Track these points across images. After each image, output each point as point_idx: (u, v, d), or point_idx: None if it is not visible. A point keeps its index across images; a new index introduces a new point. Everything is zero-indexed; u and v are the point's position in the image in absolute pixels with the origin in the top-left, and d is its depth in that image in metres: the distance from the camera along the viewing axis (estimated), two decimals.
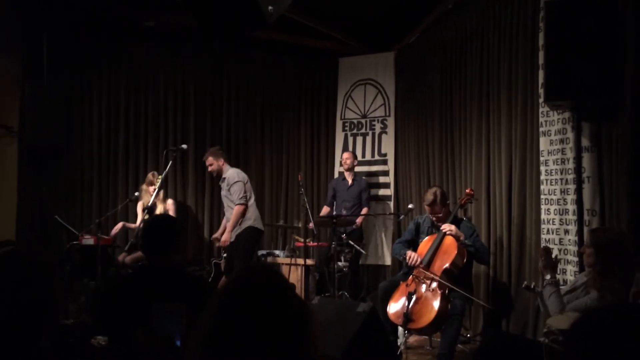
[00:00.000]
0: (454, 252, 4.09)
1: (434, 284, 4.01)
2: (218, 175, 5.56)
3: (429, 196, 4.35)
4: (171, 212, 5.76)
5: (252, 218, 5.42)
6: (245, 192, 5.35)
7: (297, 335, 1.17)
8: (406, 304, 3.86)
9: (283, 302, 1.20)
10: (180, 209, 6.90)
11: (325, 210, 6.54)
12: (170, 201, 5.95)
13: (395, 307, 4.09)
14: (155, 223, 2.76)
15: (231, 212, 5.36)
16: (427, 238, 4.36)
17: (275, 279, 1.25)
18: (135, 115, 6.78)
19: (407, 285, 4.14)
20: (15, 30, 5.81)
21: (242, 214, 5.32)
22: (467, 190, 4.56)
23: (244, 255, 5.30)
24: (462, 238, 4.16)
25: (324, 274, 5.93)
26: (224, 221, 5.74)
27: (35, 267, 1.39)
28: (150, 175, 5.86)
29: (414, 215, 5.98)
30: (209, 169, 5.52)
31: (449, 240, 4.17)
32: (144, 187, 5.84)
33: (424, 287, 4.04)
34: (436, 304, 3.90)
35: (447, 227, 4.19)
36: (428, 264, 4.15)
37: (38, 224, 5.95)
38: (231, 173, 5.40)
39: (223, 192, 5.52)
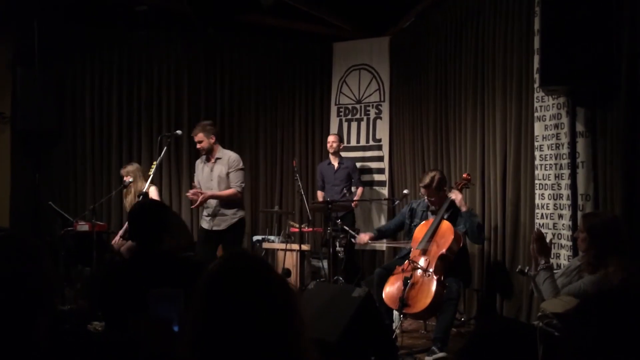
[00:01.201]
0: (450, 237, 4.10)
1: (430, 269, 4.03)
2: (206, 154, 4.99)
3: (426, 179, 4.34)
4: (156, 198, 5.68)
5: (244, 210, 5.13)
6: (244, 181, 5.07)
7: (282, 321, 1.17)
8: (402, 288, 3.89)
9: (265, 287, 1.19)
10: (175, 195, 6.90)
11: (319, 195, 6.54)
12: (152, 188, 5.81)
13: (391, 291, 4.12)
14: (140, 210, 2.74)
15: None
16: (423, 223, 4.37)
17: (256, 264, 1.25)
18: (128, 100, 6.73)
19: (402, 270, 4.16)
20: (6, 15, 5.74)
21: (234, 200, 4.93)
22: (464, 175, 4.55)
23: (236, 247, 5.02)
24: (463, 209, 4.20)
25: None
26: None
27: (27, 251, 1.38)
28: (122, 171, 5.79)
29: (409, 201, 6.01)
30: (198, 145, 4.96)
31: (446, 226, 4.18)
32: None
33: (420, 272, 4.07)
34: (432, 289, 3.93)
35: (454, 195, 4.24)
36: (425, 248, 4.17)
37: (32, 210, 5.92)
38: (235, 157, 4.97)
39: (215, 173, 4.94)
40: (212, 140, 4.93)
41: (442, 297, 3.94)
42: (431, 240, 4.18)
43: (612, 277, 2.78)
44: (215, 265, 1.24)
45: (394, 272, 4.23)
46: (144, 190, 4.81)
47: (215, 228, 4.91)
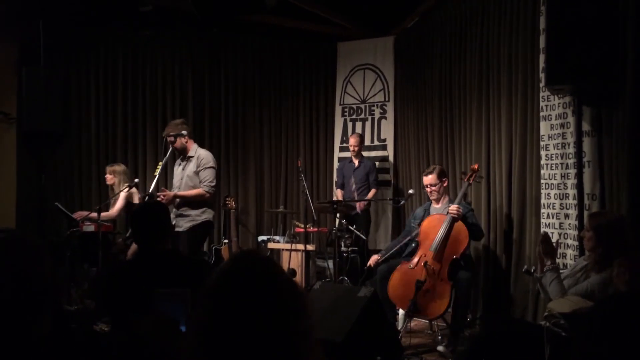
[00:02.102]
0: (465, 240, 4.08)
1: (443, 274, 3.99)
2: (180, 153, 4.81)
3: (429, 168, 4.57)
4: (135, 199, 5.59)
5: (212, 211, 4.79)
6: (215, 180, 4.73)
7: (290, 322, 1.17)
8: (413, 290, 3.83)
9: (274, 287, 1.19)
10: None
11: (339, 194, 6.55)
12: (133, 190, 5.64)
13: (398, 290, 4.08)
14: (142, 211, 2.75)
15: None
16: (434, 216, 4.31)
17: (265, 264, 1.24)
18: (133, 101, 6.75)
19: (411, 267, 4.11)
20: (11, 15, 5.76)
21: (202, 201, 4.67)
22: (474, 167, 4.45)
23: (194, 251, 4.72)
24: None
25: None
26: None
27: (28, 252, 1.38)
28: (107, 168, 5.72)
29: (414, 200, 6.01)
30: (171, 145, 4.74)
31: (460, 227, 4.10)
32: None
33: (433, 276, 3.99)
34: (446, 295, 3.92)
35: (454, 210, 4.13)
36: (438, 250, 4.07)
37: (38, 211, 5.94)
38: (205, 155, 4.73)
39: (185, 172, 4.74)
40: (185, 140, 4.71)
41: (452, 298, 3.96)
42: (446, 243, 4.09)
43: (616, 279, 2.76)
44: (225, 265, 1.24)
45: (400, 267, 4.18)
46: (150, 191, 4.80)
47: (177, 229, 4.63)
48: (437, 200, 4.52)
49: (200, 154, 4.72)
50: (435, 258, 4.06)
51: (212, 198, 4.78)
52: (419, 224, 4.42)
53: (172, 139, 4.69)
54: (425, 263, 4.04)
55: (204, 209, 4.69)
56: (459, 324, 3.98)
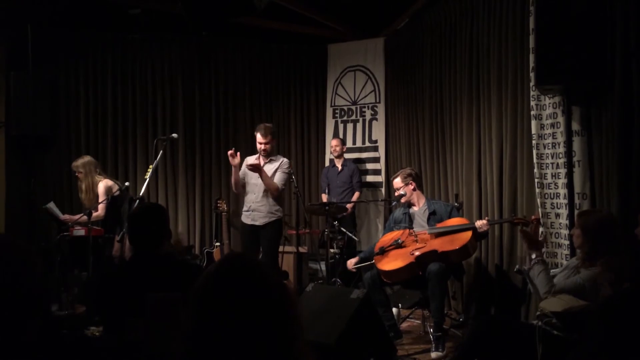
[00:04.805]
0: (456, 246, 4.11)
1: (417, 253, 4.19)
2: (266, 155, 5.10)
3: (397, 172, 4.74)
4: (101, 194, 5.54)
5: (283, 210, 5.21)
6: (285, 185, 5.16)
7: (278, 324, 1.16)
8: (389, 242, 4.37)
9: (261, 289, 1.19)
10: (171, 198, 6.88)
11: (324, 198, 6.56)
12: (101, 183, 5.58)
13: (386, 240, 4.47)
14: (140, 215, 2.72)
15: (261, 193, 5.06)
16: (460, 219, 4.41)
17: (253, 267, 1.24)
18: (123, 104, 6.72)
19: (410, 233, 4.39)
20: None
21: (273, 193, 5.01)
22: (533, 217, 3.99)
23: (274, 250, 5.07)
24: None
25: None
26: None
27: (17, 255, 1.37)
28: (72, 165, 5.64)
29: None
30: (264, 147, 5.03)
31: (466, 235, 4.15)
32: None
33: (411, 245, 4.30)
34: (399, 264, 4.19)
35: (480, 224, 4.15)
36: (435, 235, 4.29)
37: (28, 215, 5.89)
38: (286, 161, 5.14)
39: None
40: (274, 143, 5.20)
41: (400, 274, 4.21)
42: (444, 235, 4.25)
43: (601, 280, 2.78)
44: (212, 268, 1.24)
45: (408, 230, 4.46)
46: (141, 194, 4.77)
47: (253, 222, 5.07)
48: (411, 203, 4.62)
49: (283, 160, 5.16)
50: (426, 237, 4.32)
51: (280, 197, 5.12)
52: (407, 227, 4.54)
53: (268, 140, 5.05)
54: (416, 236, 4.37)
55: (278, 207, 5.07)
56: (437, 315, 4.09)
